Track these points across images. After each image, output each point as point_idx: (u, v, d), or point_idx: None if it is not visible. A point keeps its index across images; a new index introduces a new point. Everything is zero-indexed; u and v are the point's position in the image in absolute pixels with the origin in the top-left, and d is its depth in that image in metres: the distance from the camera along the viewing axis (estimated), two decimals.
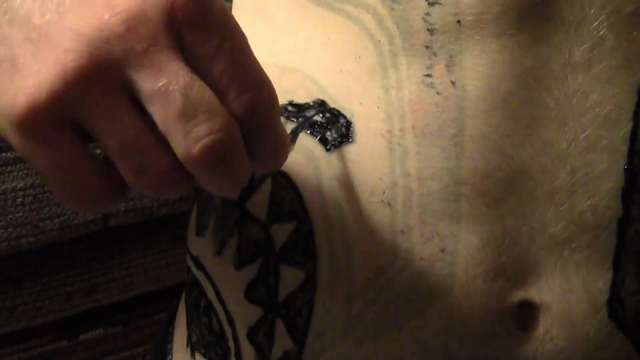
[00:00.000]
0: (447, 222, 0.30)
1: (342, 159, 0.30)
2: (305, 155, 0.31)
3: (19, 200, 0.63)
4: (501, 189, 0.30)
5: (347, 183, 0.30)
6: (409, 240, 0.30)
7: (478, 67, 0.29)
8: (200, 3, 0.23)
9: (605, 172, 0.30)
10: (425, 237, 0.30)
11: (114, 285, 0.71)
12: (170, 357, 0.42)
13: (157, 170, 0.24)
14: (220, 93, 0.24)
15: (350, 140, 0.30)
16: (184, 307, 0.40)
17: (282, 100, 0.32)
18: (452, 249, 0.30)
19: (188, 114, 0.23)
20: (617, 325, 0.31)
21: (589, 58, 0.29)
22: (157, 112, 0.24)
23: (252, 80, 0.25)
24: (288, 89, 0.32)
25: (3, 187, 0.62)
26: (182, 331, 0.39)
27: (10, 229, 0.63)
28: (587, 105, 0.30)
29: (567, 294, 0.31)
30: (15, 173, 0.63)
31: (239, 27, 0.25)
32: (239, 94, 0.24)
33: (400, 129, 0.30)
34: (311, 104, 0.31)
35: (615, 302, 0.31)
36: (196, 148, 0.23)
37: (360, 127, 0.30)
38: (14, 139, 0.24)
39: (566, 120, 0.30)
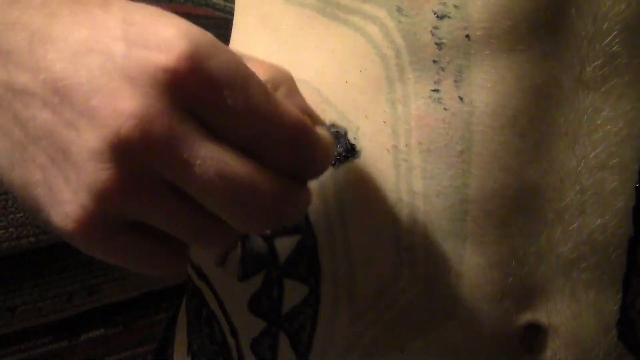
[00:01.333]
0: (453, 242, 0.29)
1: (348, 174, 0.30)
2: None
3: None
4: (508, 208, 0.29)
5: (351, 199, 0.30)
6: (413, 258, 0.30)
7: (487, 82, 0.29)
8: (199, 72, 0.22)
9: (616, 191, 0.29)
10: (430, 256, 0.29)
11: (115, 285, 0.71)
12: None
13: (216, 238, 0.25)
14: (257, 157, 0.24)
15: (355, 155, 0.30)
16: (184, 315, 0.39)
17: None
18: (457, 269, 0.29)
19: (231, 198, 0.23)
20: (626, 347, 0.30)
21: (601, 74, 0.29)
22: (203, 201, 0.24)
23: (283, 128, 0.24)
24: None
25: (3, 188, 0.62)
26: (183, 339, 0.39)
27: (11, 229, 0.63)
28: (599, 122, 0.29)
29: (575, 315, 0.30)
30: None
31: (250, 72, 0.24)
32: (276, 150, 0.24)
33: (406, 145, 0.29)
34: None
35: (625, 323, 0.30)
36: (250, 224, 0.24)
37: (365, 142, 0.30)
38: (79, 248, 0.25)
39: (576, 138, 0.29)
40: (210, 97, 0.23)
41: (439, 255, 0.29)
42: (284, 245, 0.31)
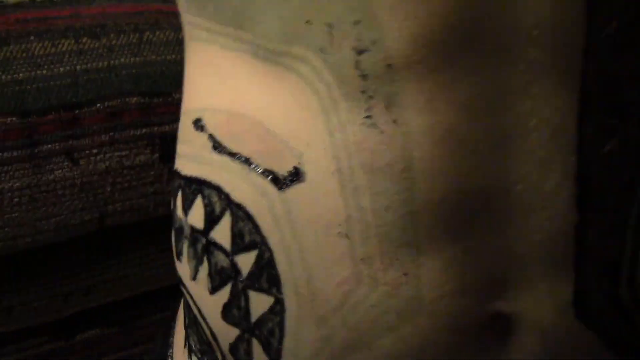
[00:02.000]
0: (406, 249, 0.31)
1: (296, 195, 0.31)
2: (259, 193, 0.32)
3: (16, 200, 0.63)
4: (457, 214, 0.31)
5: (302, 216, 0.31)
6: (371, 267, 0.31)
7: (417, 104, 0.30)
8: None
9: (559, 185, 0.31)
10: (386, 263, 0.31)
11: (111, 285, 0.71)
12: (171, 350, 0.43)
13: None
14: None
15: (300, 179, 0.31)
16: (182, 310, 0.41)
17: (233, 144, 0.33)
18: (414, 272, 0.31)
19: None
20: (585, 325, 0.32)
21: (526, 80, 0.30)
22: None
23: None
24: (236, 132, 0.33)
25: (0, 187, 0.62)
26: (181, 331, 0.41)
27: (6, 229, 0.63)
28: (532, 125, 0.30)
29: (536, 301, 0.32)
30: (11, 173, 0.62)
31: None
32: None
33: (349, 167, 0.31)
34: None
35: (579, 303, 0.32)
36: None
37: (310, 167, 0.31)
38: None
39: (513, 143, 0.30)
40: None
41: (396, 262, 0.31)
42: (244, 260, 0.33)
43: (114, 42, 0.67)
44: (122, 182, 0.66)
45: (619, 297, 0.32)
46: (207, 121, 0.35)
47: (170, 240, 0.61)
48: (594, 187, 0.31)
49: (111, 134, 0.65)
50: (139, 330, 0.75)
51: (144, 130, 0.67)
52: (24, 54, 0.63)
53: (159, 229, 0.70)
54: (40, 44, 0.64)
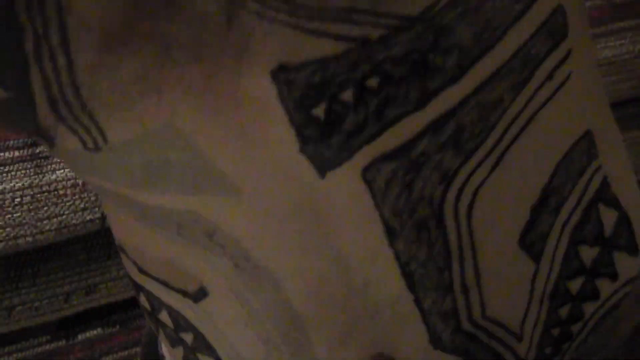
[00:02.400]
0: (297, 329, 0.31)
1: (206, 307, 0.32)
2: (181, 302, 0.33)
3: (17, 200, 0.63)
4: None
5: (216, 320, 0.32)
6: (278, 350, 0.32)
7: None
8: None
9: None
10: (284, 340, 0.31)
11: (112, 285, 0.71)
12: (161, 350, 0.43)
13: None
14: None
15: (206, 294, 0.32)
16: None
17: (150, 270, 0.34)
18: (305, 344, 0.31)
19: None
20: (444, 351, 0.32)
21: None
22: None
23: None
24: (149, 264, 0.33)
25: (1, 187, 0.62)
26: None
27: (8, 229, 0.63)
28: None
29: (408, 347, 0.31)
30: (13, 173, 0.63)
31: None
32: None
33: (241, 291, 0.32)
34: None
35: (434, 339, 0.32)
36: None
37: (211, 288, 0.32)
38: None
39: None
40: None
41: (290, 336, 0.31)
42: (187, 337, 0.34)
43: None
44: None
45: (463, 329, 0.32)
46: (128, 250, 0.35)
47: None
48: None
49: None
50: (140, 329, 0.75)
51: None
52: None
53: None
54: None
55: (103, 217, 0.67)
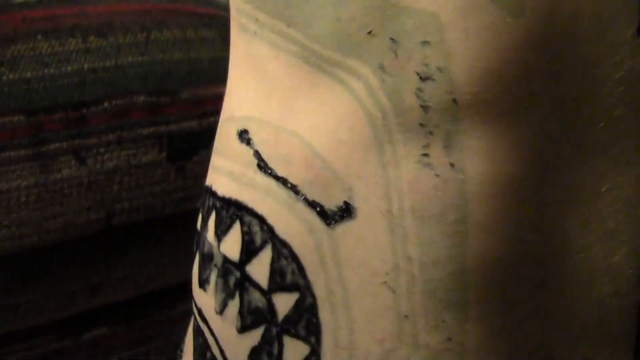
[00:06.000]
0: (454, 311, 0.28)
1: (345, 234, 0.28)
2: (306, 228, 0.29)
3: (22, 199, 0.63)
4: (510, 278, 0.28)
5: (349, 260, 0.29)
6: (414, 326, 0.28)
7: (479, 149, 0.27)
8: None
9: (625, 258, 0.28)
10: (430, 325, 0.28)
11: (118, 284, 0.71)
12: None
13: None
14: None
15: (351, 215, 0.28)
16: (191, 341, 0.38)
17: (279, 167, 0.30)
18: (459, 338, 0.28)
19: None
20: None
21: (605, 139, 0.27)
22: None
23: None
24: (283, 152, 0.30)
25: (6, 186, 0.62)
26: None
27: (13, 228, 0.63)
28: (603, 189, 0.28)
29: None
30: (18, 172, 0.62)
31: None
32: None
33: (399, 209, 0.28)
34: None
35: None
36: None
37: (359, 203, 0.28)
38: None
39: (579, 205, 0.28)
40: None
41: (441, 325, 0.28)
42: (283, 301, 0.30)
43: (121, 40, 0.67)
44: (129, 181, 0.66)
45: None
46: (254, 134, 0.31)
47: (175, 240, 0.61)
48: None
49: (118, 133, 0.65)
50: (146, 329, 0.75)
51: (151, 129, 0.67)
52: (31, 53, 0.63)
53: (166, 228, 0.70)
54: (48, 43, 0.64)
55: (109, 216, 0.67)
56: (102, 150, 0.64)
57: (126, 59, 0.66)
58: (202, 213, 0.34)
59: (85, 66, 0.64)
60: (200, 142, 0.68)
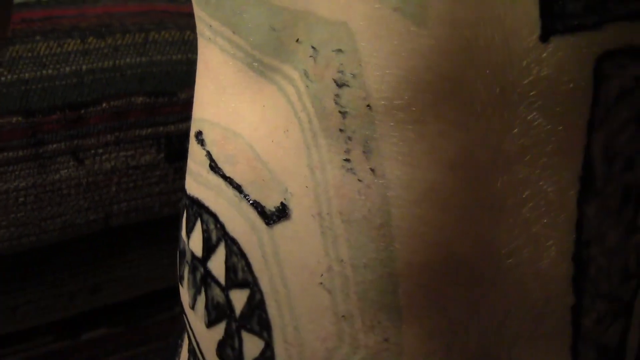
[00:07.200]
0: (387, 313, 0.29)
1: (283, 234, 0.29)
2: (250, 226, 0.31)
3: (21, 199, 0.63)
4: (440, 280, 0.28)
5: (288, 259, 0.30)
6: (352, 327, 0.29)
7: (397, 155, 0.27)
8: None
9: (554, 262, 0.28)
10: (367, 325, 0.29)
11: (117, 284, 0.71)
12: None
13: None
14: None
15: (287, 216, 0.29)
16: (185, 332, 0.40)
17: (226, 167, 0.32)
18: (395, 339, 0.29)
19: None
20: None
21: (523, 144, 0.27)
22: None
23: None
24: (230, 153, 0.32)
25: (5, 187, 0.62)
26: (185, 356, 0.39)
27: (12, 229, 0.63)
28: (526, 194, 0.28)
29: None
30: (17, 172, 0.62)
31: None
32: None
33: (328, 213, 0.29)
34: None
35: None
36: None
37: (294, 204, 0.29)
38: None
39: (503, 211, 0.28)
40: None
41: (377, 325, 0.29)
42: (238, 297, 0.31)
43: (119, 41, 0.67)
44: (127, 182, 0.66)
45: None
46: (206, 135, 0.33)
47: (174, 240, 0.61)
48: (592, 271, 0.29)
49: (116, 133, 0.65)
50: (145, 329, 0.75)
51: (149, 130, 0.67)
52: (30, 54, 0.63)
53: (164, 228, 0.70)
54: (46, 44, 0.64)
55: (107, 217, 0.67)
56: (100, 151, 0.65)
57: (124, 60, 0.66)
58: (181, 212, 0.36)
59: (84, 67, 0.64)
60: None
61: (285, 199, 0.30)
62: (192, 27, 0.75)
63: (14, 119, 0.61)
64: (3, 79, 0.62)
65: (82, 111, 0.64)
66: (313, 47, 0.28)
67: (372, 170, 0.28)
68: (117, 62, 0.66)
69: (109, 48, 0.66)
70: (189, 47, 0.70)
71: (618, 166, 0.29)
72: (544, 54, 0.26)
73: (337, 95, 0.28)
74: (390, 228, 0.28)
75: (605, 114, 0.28)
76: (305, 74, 0.29)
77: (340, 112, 0.28)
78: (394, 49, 0.27)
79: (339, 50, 0.27)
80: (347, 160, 0.28)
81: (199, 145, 0.33)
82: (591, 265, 0.29)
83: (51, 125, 0.63)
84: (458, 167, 0.27)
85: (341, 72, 0.28)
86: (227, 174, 0.31)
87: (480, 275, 0.28)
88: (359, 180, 0.28)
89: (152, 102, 0.67)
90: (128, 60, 0.66)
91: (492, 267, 0.28)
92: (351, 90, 0.27)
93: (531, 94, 0.27)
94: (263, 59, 0.30)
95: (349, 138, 0.28)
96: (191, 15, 0.37)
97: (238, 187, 0.31)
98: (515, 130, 0.27)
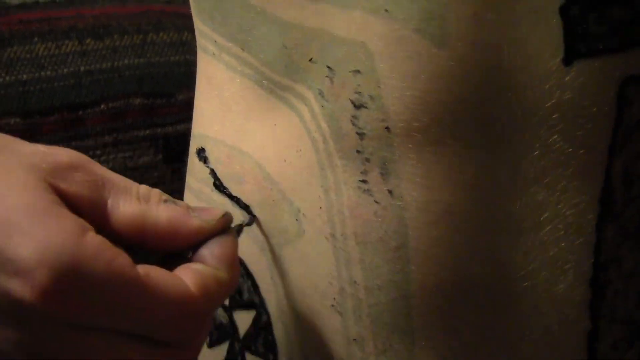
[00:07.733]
0: (400, 335, 0.28)
1: (292, 255, 0.29)
2: (258, 247, 0.30)
3: None
4: (453, 302, 0.28)
5: (298, 281, 0.29)
6: (363, 350, 0.28)
7: (415, 177, 0.27)
8: (62, 304, 0.22)
9: (571, 286, 0.28)
10: (379, 349, 0.28)
11: None
12: None
13: None
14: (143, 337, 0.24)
15: (299, 238, 0.29)
16: None
17: (232, 186, 0.31)
18: None
19: None
20: None
21: (541, 167, 0.27)
22: None
23: (165, 318, 0.24)
24: (236, 172, 0.31)
25: None
26: None
27: None
28: (544, 217, 0.28)
29: None
30: None
31: (119, 280, 0.23)
32: (160, 330, 0.24)
33: (342, 234, 0.28)
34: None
35: None
36: None
37: (307, 225, 0.29)
38: None
39: (520, 234, 0.28)
40: (80, 318, 0.22)
41: (388, 349, 0.28)
42: (243, 318, 0.31)
43: (117, 43, 0.67)
44: None
45: None
46: (210, 152, 0.32)
47: None
48: (609, 295, 0.28)
49: (114, 135, 0.65)
50: None
51: (147, 132, 0.67)
52: (28, 55, 0.63)
53: None
54: (44, 45, 0.64)
55: None
56: (98, 152, 0.64)
57: (122, 61, 0.66)
58: None
59: (82, 68, 0.64)
60: None
61: (297, 219, 0.29)
62: (190, 29, 0.74)
63: (12, 120, 0.61)
64: (1, 80, 0.62)
65: (80, 112, 0.64)
66: (329, 67, 0.28)
67: (390, 192, 0.27)
68: (115, 63, 0.66)
69: (107, 49, 0.66)
70: (187, 49, 0.70)
71: (637, 190, 0.28)
72: (567, 78, 0.26)
73: (354, 117, 0.27)
74: (407, 250, 0.27)
75: (627, 138, 0.27)
76: (321, 94, 0.28)
77: (357, 133, 0.27)
78: (414, 71, 0.26)
79: (357, 71, 0.27)
80: (363, 181, 0.28)
81: (202, 162, 0.33)
82: (608, 289, 0.29)
83: (49, 126, 0.63)
84: (476, 188, 0.27)
85: (359, 92, 0.27)
86: (234, 194, 0.31)
87: (494, 298, 0.28)
88: (376, 202, 0.28)
89: (150, 104, 0.67)
90: (126, 61, 0.66)
91: (507, 289, 0.28)
92: (369, 112, 0.27)
93: (553, 117, 0.27)
94: (273, 77, 0.30)
95: (367, 160, 0.27)
96: (189, 16, 0.36)
97: (246, 207, 0.30)
98: (536, 153, 0.27)
